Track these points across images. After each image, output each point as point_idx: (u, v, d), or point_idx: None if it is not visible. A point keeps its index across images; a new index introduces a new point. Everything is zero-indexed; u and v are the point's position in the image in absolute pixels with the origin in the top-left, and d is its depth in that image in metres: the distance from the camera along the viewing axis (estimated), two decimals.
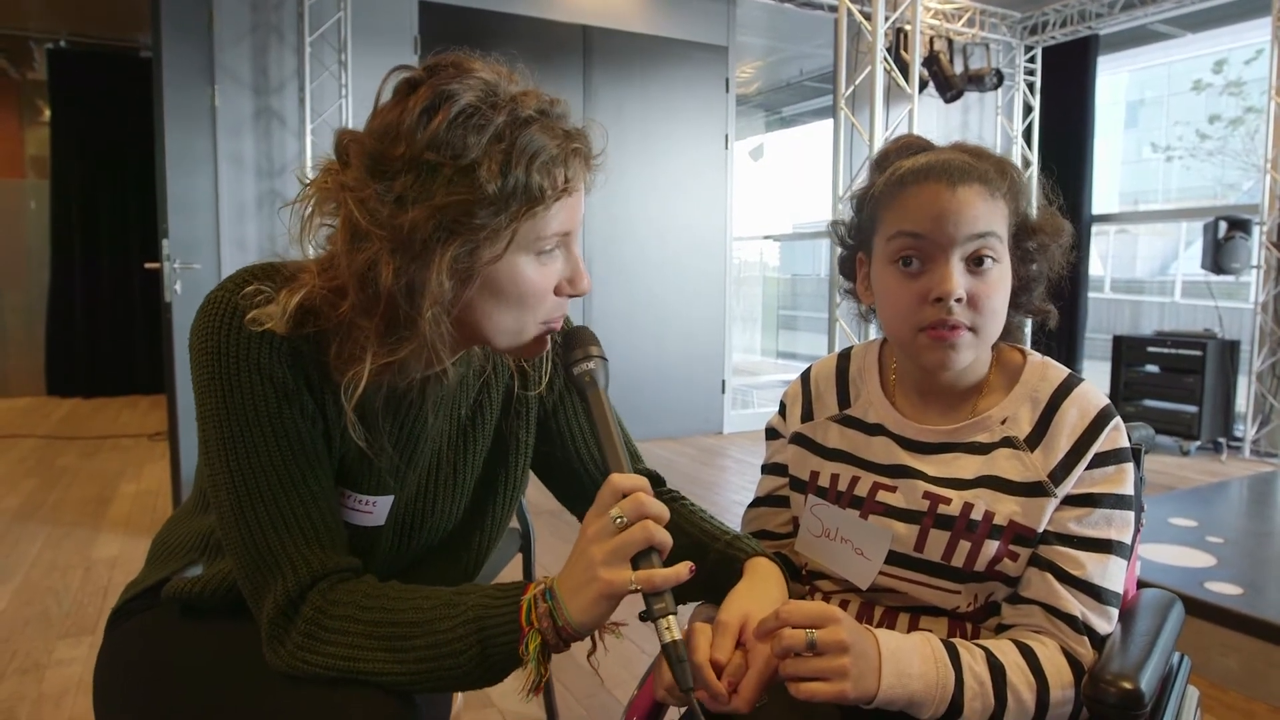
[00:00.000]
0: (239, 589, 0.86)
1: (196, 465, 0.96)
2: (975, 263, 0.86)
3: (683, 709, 0.79)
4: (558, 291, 0.83)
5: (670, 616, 0.73)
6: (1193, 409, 4.77)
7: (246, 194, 3.87)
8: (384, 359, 0.78)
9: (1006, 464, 0.89)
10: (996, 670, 0.81)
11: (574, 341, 0.87)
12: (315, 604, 0.77)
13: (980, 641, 0.84)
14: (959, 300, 0.84)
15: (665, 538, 0.75)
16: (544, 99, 0.79)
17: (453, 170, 0.73)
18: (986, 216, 0.85)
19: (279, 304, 0.78)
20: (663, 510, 0.76)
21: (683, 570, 0.74)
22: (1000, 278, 0.87)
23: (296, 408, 0.81)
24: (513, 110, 0.75)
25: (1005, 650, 0.83)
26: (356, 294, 0.76)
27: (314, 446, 0.82)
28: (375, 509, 0.90)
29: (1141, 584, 1.09)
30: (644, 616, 0.77)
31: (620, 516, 0.74)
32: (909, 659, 0.78)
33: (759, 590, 0.85)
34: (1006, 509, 0.87)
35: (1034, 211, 0.93)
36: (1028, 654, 0.83)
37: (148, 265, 3.49)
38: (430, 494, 0.94)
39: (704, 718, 0.74)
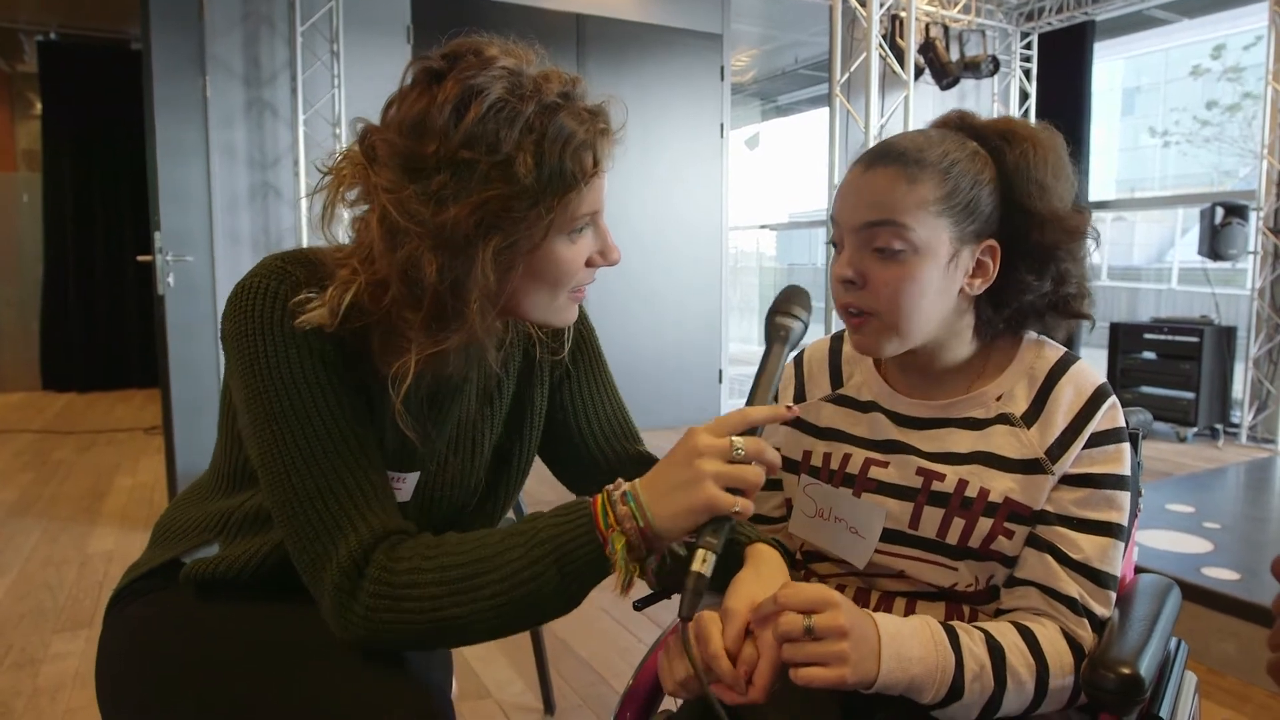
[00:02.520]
0: (262, 568, 0.87)
1: (214, 448, 0.96)
2: (877, 248, 0.84)
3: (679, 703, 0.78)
4: (589, 263, 0.86)
5: (712, 555, 0.73)
6: (1190, 395, 4.77)
7: (239, 185, 3.85)
8: (429, 350, 0.79)
9: (1003, 440, 0.88)
10: (996, 652, 0.80)
11: (789, 297, 0.88)
12: (380, 563, 0.76)
13: (979, 624, 0.84)
14: (850, 282, 0.85)
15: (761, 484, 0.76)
16: (565, 80, 0.80)
17: (488, 165, 0.74)
18: (891, 202, 0.83)
19: (327, 303, 0.79)
20: (776, 458, 0.77)
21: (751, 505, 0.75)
22: (909, 267, 0.83)
23: (343, 378, 0.82)
24: (539, 98, 0.77)
25: (1004, 632, 0.82)
26: (400, 289, 0.77)
27: (364, 416, 0.83)
28: (404, 485, 0.91)
29: (1139, 570, 1.08)
30: (655, 603, 0.75)
31: (741, 450, 0.74)
32: (909, 642, 0.77)
33: (764, 575, 0.84)
34: (1002, 485, 0.86)
35: (1042, 203, 0.85)
36: (1027, 636, 0.82)
37: (140, 258, 3.47)
38: (454, 465, 0.95)
39: (693, 654, 0.74)
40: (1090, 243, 0.90)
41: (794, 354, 1.09)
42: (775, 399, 0.82)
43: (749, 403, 0.80)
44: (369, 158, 0.79)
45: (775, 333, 0.85)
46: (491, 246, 0.76)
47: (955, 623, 0.83)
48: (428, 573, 0.76)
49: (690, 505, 0.73)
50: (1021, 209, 0.85)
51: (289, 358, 0.79)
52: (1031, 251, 0.86)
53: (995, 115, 0.93)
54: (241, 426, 0.83)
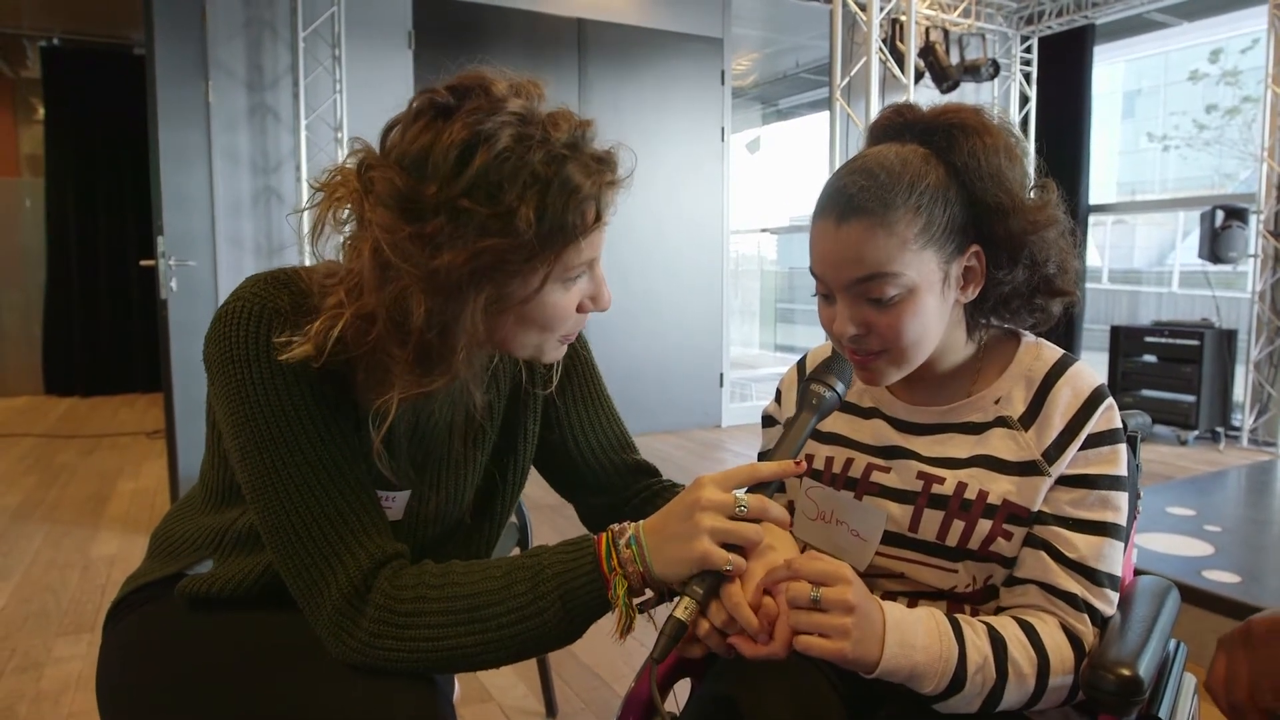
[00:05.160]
0: (255, 587, 0.87)
1: (202, 462, 0.96)
2: (872, 299, 0.84)
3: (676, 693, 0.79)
4: (580, 309, 0.85)
5: (695, 605, 0.75)
6: (1190, 398, 4.77)
7: (242, 190, 3.86)
8: (414, 390, 0.79)
9: (1000, 443, 0.89)
10: (998, 644, 0.81)
11: (829, 366, 0.89)
12: (383, 590, 0.77)
13: (982, 618, 0.84)
14: (856, 335, 0.85)
15: (760, 542, 0.77)
16: (574, 123, 0.78)
17: (488, 216, 0.73)
18: (874, 255, 0.81)
19: (311, 338, 0.78)
20: (783, 516, 0.78)
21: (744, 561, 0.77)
22: (907, 306, 0.83)
23: (331, 404, 0.81)
24: (547, 148, 0.75)
25: (1006, 625, 0.83)
26: (387, 326, 0.76)
27: (352, 441, 0.83)
28: (394, 504, 0.91)
29: (1139, 573, 1.08)
30: (658, 605, 0.77)
31: (744, 506, 0.76)
32: (913, 630, 0.78)
33: (775, 543, 0.84)
34: (1000, 488, 0.87)
35: (998, 196, 0.84)
36: (1029, 630, 0.83)
37: (143, 262, 3.48)
38: (443, 485, 0.95)
39: (657, 692, 0.76)
40: (1062, 219, 0.88)
41: (797, 359, 1.10)
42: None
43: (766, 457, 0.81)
44: (366, 189, 0.77)
45: (808, 400, 0.86)
46: (484, 296, 0.76)
47: (959, 615, 0.83)
48: (433, 602, 0.76)
49: (685, 557, 0.74)
50: (981, 204, 0.85)
51: (275, 385, 0.79)
52: (999, 244, 0.86)
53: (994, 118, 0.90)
54: (228, 450, 0.83)
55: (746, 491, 0.78)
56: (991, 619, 0.84)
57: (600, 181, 0.78)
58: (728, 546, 0.75)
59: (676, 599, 0.76)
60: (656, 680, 0.80)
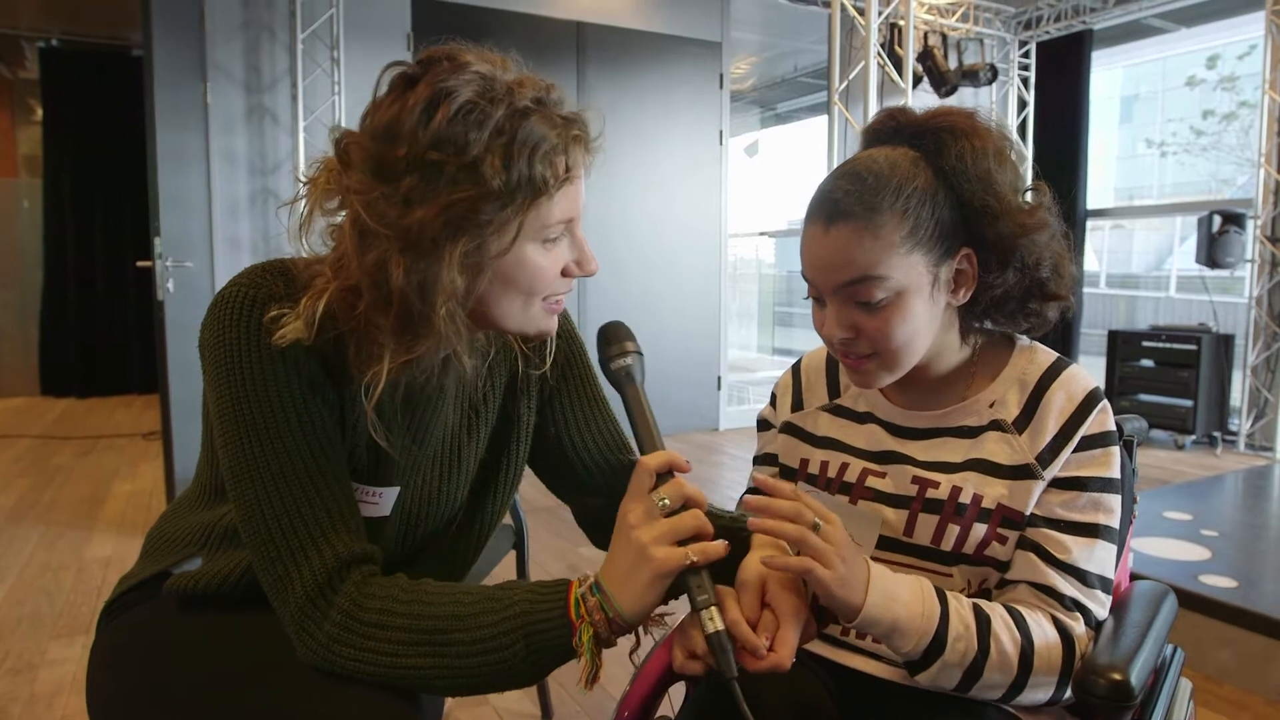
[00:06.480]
0: (240, 583, 0.87)
1: (198, 459, 0.96)
2: (860, 302, 0.84)
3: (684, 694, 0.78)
4: (565, 273, 0.85)
5: (713, 607, 0.74)
6: (1187, 403, 4.78)
7: (239, 192, 3.86)
8: (402, 356, 0.79)
9: (994, 447, 0.89)
10: (982, 618, 0.81)
11: (610, 338, 0.87)
12: (350, 595, 0.76)
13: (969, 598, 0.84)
14: (846, 339, 0.86)
15: (709, 524, 0.76)
16: (540, 85, 0.79)
17: (456, 167, 0.74)
18: (861, 259, 0.82)
19: (301, 314, 0.78)
20: (700, 494, 0.78)
21: (722, 546, 0.75)
22: (896, 309, 0.83)
23: (319, 396, 0.81)
24: (510, 102, 0.76)
25: (993, 606, 0.83)
26: (370, 293, 0.77)
27: (335, 435, 0.83)
28: (381, 500, 0.91)
29: (1135, 577, 1.08)
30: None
31: (665, 500, 0.75)
32: (897, 584, 0.79)
33: (770, 554, 0.84)
34: (994, 492, 0.87)
35: (987, 199, 0.83)
36: (1014, 614, 0.83)
37: (140, 263, 3.48)
38: (436, 480, 0.95)
39: (745, 706, 0.73)
40: (1054, 223, 0.87)
41: (793, 362, 1.10)
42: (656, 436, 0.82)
43: (641, 452, 0.80)
44: (343, 162, 0.79)
45: (619, 377, 0.85)
46: (459, 248, 0.76)
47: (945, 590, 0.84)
48: (398, 617, 0.75)
49: (647, 581, 0.74)
50: (969, 207, 0.84)
51: (264, 370, 0.79)
52: (989, 247, 0.86)
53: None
54: (215, 437, 0.83)
55: (656, 484, 0.77)
56: (979, 600, 0.84)
57: (567, 135, 0.78)
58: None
59: (699, 619, 0.74)
60: (650, 686, 0.80)
